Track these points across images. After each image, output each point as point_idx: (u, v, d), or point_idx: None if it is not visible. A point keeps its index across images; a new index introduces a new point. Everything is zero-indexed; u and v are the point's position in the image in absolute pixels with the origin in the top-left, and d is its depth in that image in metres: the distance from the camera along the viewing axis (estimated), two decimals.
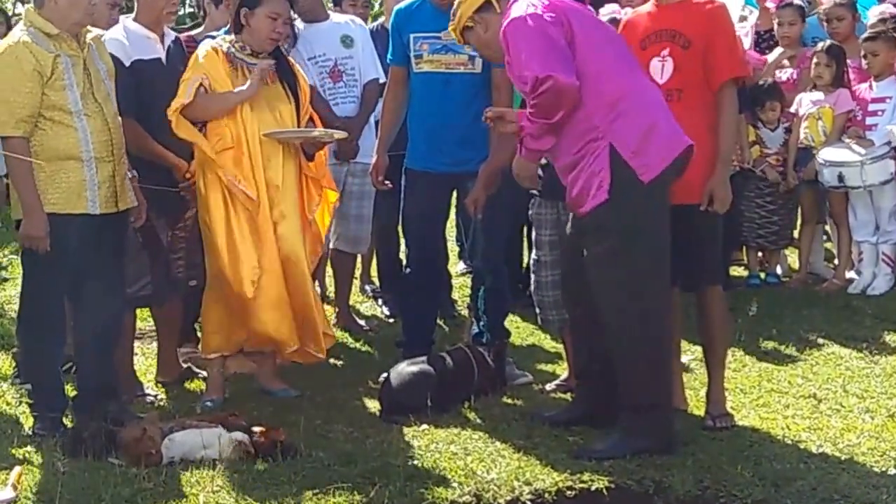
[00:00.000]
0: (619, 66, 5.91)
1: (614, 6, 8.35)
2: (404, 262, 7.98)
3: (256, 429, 5.91)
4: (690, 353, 7.11)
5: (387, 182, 7.37)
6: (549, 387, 6.99)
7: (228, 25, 7.11)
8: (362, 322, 8.62)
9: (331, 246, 8.39)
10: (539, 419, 6.30)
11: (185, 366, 7.40)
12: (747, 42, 9.71)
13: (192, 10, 16.26)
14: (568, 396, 6.75)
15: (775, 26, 9.72)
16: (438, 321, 7.65)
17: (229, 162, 6.62)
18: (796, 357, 7.58)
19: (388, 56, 7.29)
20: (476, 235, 6.97)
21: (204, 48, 6.76)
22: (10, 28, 8.41)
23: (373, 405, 6.71)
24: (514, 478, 5.54)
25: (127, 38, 6.89)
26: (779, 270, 9.77)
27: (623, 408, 5.92)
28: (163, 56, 6.97)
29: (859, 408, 6.50)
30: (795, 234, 9.79)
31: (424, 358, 6.75)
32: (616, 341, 5.89)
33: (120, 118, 6.36)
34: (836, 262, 9.61)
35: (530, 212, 6.85)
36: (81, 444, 5.80)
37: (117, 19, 7.17)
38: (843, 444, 5.90)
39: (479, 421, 6.40)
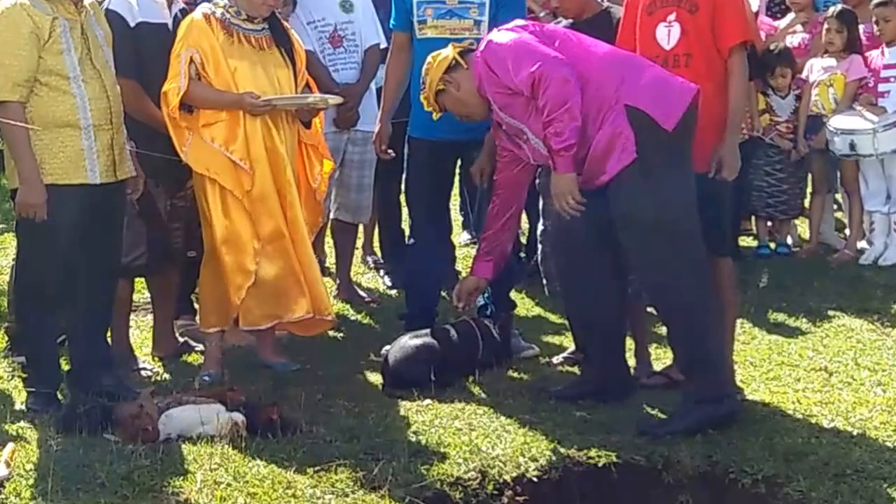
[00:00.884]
0: (602, 45, 5.95)
1: None
2: (407, 232, 7.91)
3: (255, 403, 5.88)
4: None
5: (389, 151, 7.31)
6: (555, 360, 6.97)
7: None
8: (364, 294, 8.57)
9: (331, 216, 8.35)
10: (545, 394, 6.26)
11: (181, 339, 7.36)
12: (758, 6, 9.63)
13: None
14: (576, 370, 6.72)
15: None
16: (442, 293, 7.57)
17: (222, 132, 6.56)
18: (807, 329, 7.56)
19: (391, 21, 7.22)
20: (481, 205, 6.89)
21: (195, 15, 6.68)
22: None
23: (375, 379, 6.68)
24: (519, 454, 5.51)
25: None
26: (789, 241, 9.77)
27: (682, 371, 5.95)
28: (169, 22, 6.88)
29: (871, 381, 6.47)
30: (806, 203, 9.77)
31: (428, 331, 6.72)
32: (664, 307, 5.91)
33: (118, 86, 6.30)
34: (847, 232, 9.56)
35: (537, 181, 6.79)
36: (76, 421, 5.73)
37: None
38: (855, 418, 5.86)
39: (483, 395, 6.36)
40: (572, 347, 6.96)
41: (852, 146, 8.85)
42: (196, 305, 7.53)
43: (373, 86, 8.10)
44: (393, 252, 8.93)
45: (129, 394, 6.11)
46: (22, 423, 5.92)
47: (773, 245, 9.69)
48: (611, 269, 6.04)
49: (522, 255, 8.74)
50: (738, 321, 6.81)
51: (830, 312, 7.86)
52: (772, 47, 9.32)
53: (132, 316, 7.41)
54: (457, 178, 7.59)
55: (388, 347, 6.73)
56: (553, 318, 7.94)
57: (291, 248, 6.66)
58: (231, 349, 7.09)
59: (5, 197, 6.38)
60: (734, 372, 6.28)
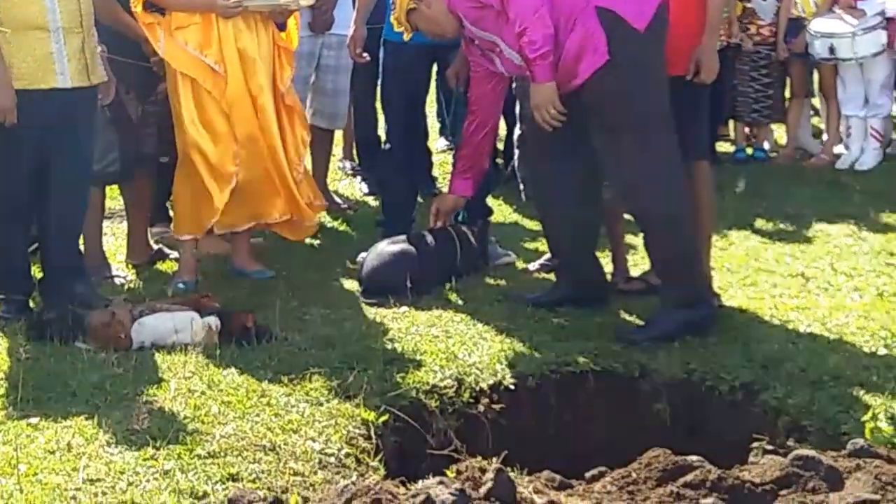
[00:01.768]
0: None
1: None
2: (383, 138, 7.81)
3: (229, 311, 5.83)
4: None
5: (365, 55, 7.21)
6: (532, 266, 6.95)
7: None
8: (340, 200, 8.55)
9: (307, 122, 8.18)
10: (522, 301, 6.21)
11: (156, 247, 7.31)
12: None
13: None
14: (552, 276, 6.66)
15: None
16: (419, 199, 7.52)
17: (195, 35, 6.45)
18: (784, 235, 7.57)
19: None
20: (457, 110, 6.84)
21: None
22: None
23: (351, 287, 6.64)
24: (496, 361, 5.48)
25: None
26: (766, 145, 9.77)
27: (660, 273, 5.92)
28: None
29: (848, 286, 6.45)
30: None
31: (405, 237, 6.67)
32: (639, 210, 5.84)
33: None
34: (824, 137, 9.54)
35: (513, 84, 6.65)
36: (47, 328, 5.68)
37: None
38: (832, 324, 5.83)
39: (460, 303, 6.32)
40: (549, 254, 6.89)
41: (832, 49, 8.80)
42: (171, 213, 7.41)
43: None
44: (370, 158, 8.88)
45: (102, 301, 6.06)
46: None
47: (749, 150, 9.72)
48: (585, 175, 5.96)
49: (499, 160, 8.72)
50: (715, 227, 6.77)
51: (807, 217, 7.87)
52: None
53: (106, 223, 7.37)
54: (433, 84, 7.46)
55: (364, 254, 6.68)
56: (530, 224, 7.91)
57: (266, 151, 6.58)
58: (205, 257, 7.05)
59: None
60: (711, 278, 6.24)
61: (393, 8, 6.26)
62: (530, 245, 7.45)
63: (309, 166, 8.44)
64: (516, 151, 6.79)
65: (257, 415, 4.76)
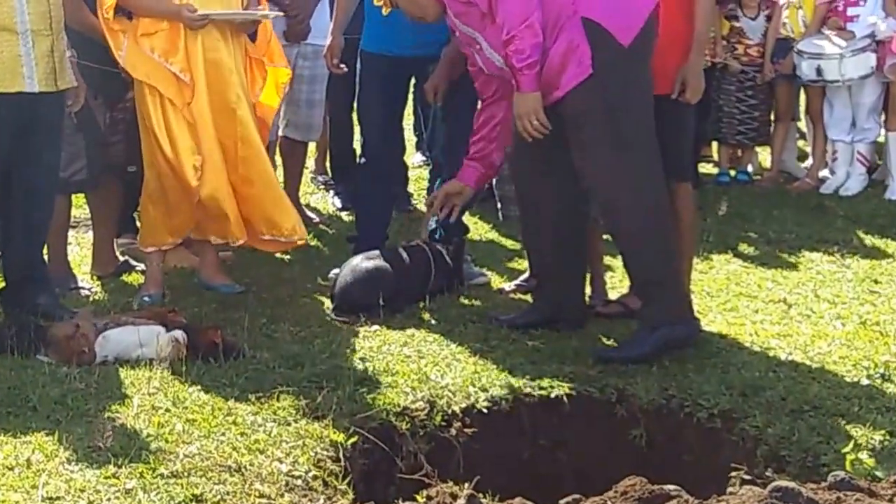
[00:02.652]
0: None
1: None
2: (358, 151, 7.81)
3: (196, 327, 5.81)
4: None
5: (342, 66, 7.22)
6: (507, 287, 6.93)
7: None
8: (312, 215, 8.54)
9: (280, 133, 8.28)
10: (496, 322, 6.21)
11: (122, 258, 7.28)
12: None
13: None
14: (528, 298, 6.66)
15: None
16: (393, 215, 7.52)
17: (161, 42, 6.44)
18: (766, 260, 7.57)
19: None
20: (435, 125, 6.85)
21: None
22: None
23: (322, 303, 6.63)
24: (469, 383, 5.46)
25: None
26: (750, 168, 9.82)
27: (639, 294, 5.92)
28: None
29: (830, 314, 6.46)
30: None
31: (378, 253, 6.66)
32: (618, 228, 5.84)
33: None
34: (808, 160, 9.57)
35: None
36: (7, 340, 5.65)
37: None
38: (814, 352, 5.84)
39: (434, 322, 6.31)
40: (526, 275, 6.90)
41: (819, 71, 8.83)
42: (138, 223, 7.39)
43: None
44: (343, 172, 8.86)
45: (65, 313, 6.04)
46: None
47: (733, 172, 9.73)
48: (572, 190, 5.94)
49: None
50: (696, 250, 6.79)
51: (790, 242, 7.90)
52: None
53: (71, 233, 7.35)
54: (411, 97, 7.46)
55: (336, 270, 6.67)
56: (507, 243, 7.92)
57: (223, 167, 6.53)
58: (172, 270, 7.03)
59: None
60: (691, 302, 6.22)
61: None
62: (507, 265, 7.44)
63: (280, 179, 8.48)
64: None
65: (223, 434, 4.74)
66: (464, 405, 5.32)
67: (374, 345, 5.89)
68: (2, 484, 4.22)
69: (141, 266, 7.05)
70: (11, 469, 4.34)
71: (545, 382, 5.48)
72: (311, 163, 9.49)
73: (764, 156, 9.97)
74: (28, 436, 4.63)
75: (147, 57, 6.42)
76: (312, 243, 7.95)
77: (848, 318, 6.37)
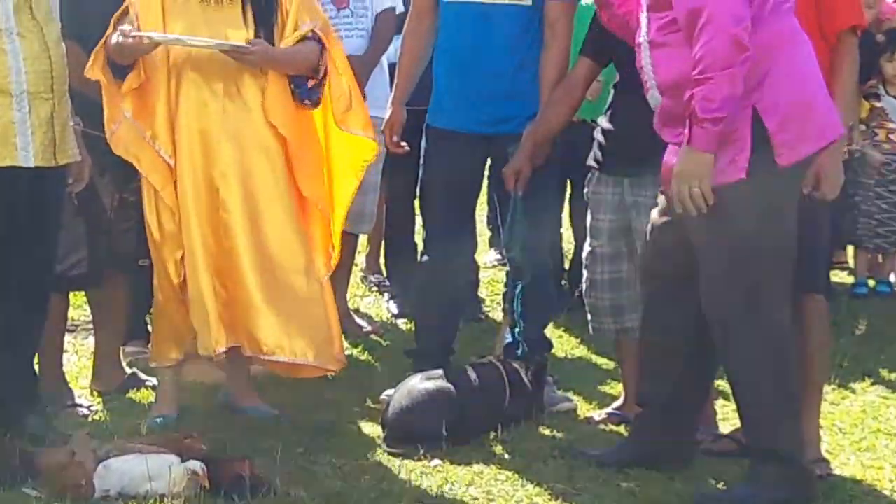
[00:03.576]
0: (777, 5, 5.71)
1: None
2: (420, 246, 7.83)
3: (219, 457, 5.81)
4: None
5: (403, 143, 7.24)
6: (597, 416, 6.92)
7: None
8: (363, 322, 8.57)
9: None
10: (584, 458, 6.17)
11: (129, 371, 7.31)
12: None
13: None
14: (622, 429, 6.67)
15: None
16: (461, 325, 7.52)
17: (138, 100, 6.49)
18: None
19: None
20: (515, 218, 6.84)
21: None
22: None
23: (372, 431, 6.61)
24: None
25: None
26: (892, 278, 9.85)
27: (751, 451, 5.83)
28: None
29: None
30: None
31: (441, 372, 6.64)
32: (733, 363, 5.76)
33: (63, 45, 6.24)
34: None
35: (585, 190, 6.75)
36: None
37: None
38: None
39: (507, 457, 6.29)
40: (619, 402, 6.92)
41: None
42: (150, 329, 7.48)
43: (384, 61, 8.11)
44: (401, 271, 8.88)
45: (58, 437, 6.04)
46: None
47: (872, 283, 9.76)
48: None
49: (564, 282, 8.70)
50: (827, 376, 6.69)
51: None
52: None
53: (68, 338, 7.41)
54: (485, 183, 7.49)
55: (390, 392, 6.67)
56: (598, 362, 7.96)
57: (205, 261, 6.52)
58: (190, 386, 7.02)
59: None
60: (820, 439, 6.20)
61: None
62: (597, 389, 7.44)
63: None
64: (585, 273, 6.77)
65: None
66: None
67: (434, 483, 5.88)
68: None
69: (152, 381, 7.06)
70: None
71: None
72: (361, 259, 9.54)
73: None
74: None
75: (131, 132, 6.48)
76: (362, 357, 8.01)
77: None
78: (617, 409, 6.86)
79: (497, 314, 8.23)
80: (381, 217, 8.82)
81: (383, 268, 9.48)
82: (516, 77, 6.80)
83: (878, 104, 9.36)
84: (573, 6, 6.94)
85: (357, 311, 8.82)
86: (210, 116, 6.46)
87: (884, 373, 7.77)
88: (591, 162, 6.63)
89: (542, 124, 6.73)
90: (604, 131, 6.57)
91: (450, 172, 7.00)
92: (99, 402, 6.98)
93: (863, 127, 9.38)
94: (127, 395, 7.09)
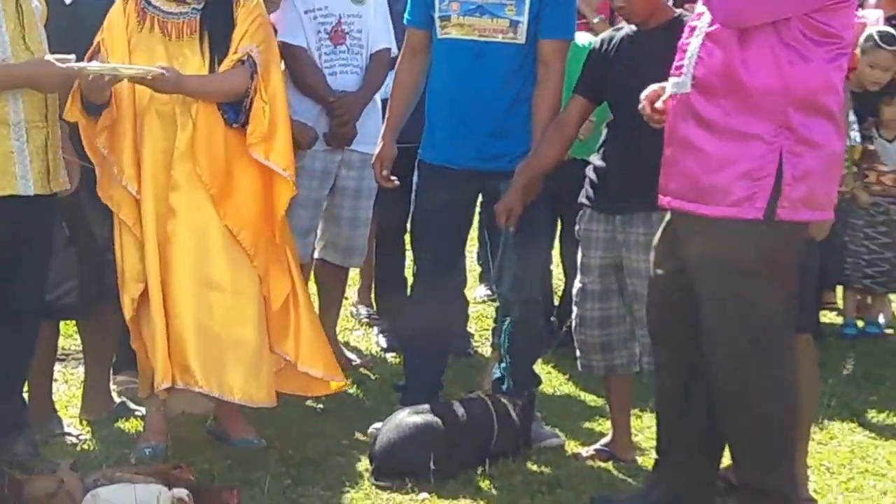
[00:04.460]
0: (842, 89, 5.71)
1: None
2: (410, 281, 7.77)
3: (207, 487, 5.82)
4: None
5: (394, 178, 7.21)
6: (584, 452, 6.89)
7: None
8: (352, 355, 8.53)
9: (316, 255, 8.28)
10: (575, 494, 6.14)
11: (118, 399, 7.30)
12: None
13: None
14: (609, 465, 6.66)
15: None
16: (450, 360, 7.49)
17: (111, 136, 6.50)
18: None
19: (406, 15, 7.17)
20: (506, 254, 6.83)
21: None
22: None
23: (360, 464, 6.60)
24: None
25: None
26: (882, 319, 9.82)
27: (745, 490, 5.79)
28: None
29: None
30: None
31: (429, 406, 6.63)
32: (732, 403, 5.69)
33: None
34: None
35: (577, 227, 6.75)
36: None
37: None
38: None
39: (494, 491, 6.28)
40: (608, 437, 6.90)
41: None
42: None
43: (378, 98, 8.08)
44: (391, 305, 8.81)
45: (47, 465, 6.03)
46: None
47: (861, 323, 9.73)
48: None
49: (554, 319, 8.74)
50: (815, 416, 6.71)
51: None
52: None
53: (57, 367, 7.38)
54: (476, 219, 7.48)
55: (378, 425, 6.66)
56: (586, 398, 7.92)
57: (155, 302, 6.50)
58: (180, 417, 6.97)
59: None
60: (807, 478, 6.20)
61: None
62: (584, 425, 7.42)
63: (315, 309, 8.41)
64: (574, 309, 6.77)
65: None
66: None
67: None
68: None
69: (141, 411, 7.04)
70: None
71: None
72: (352, 293, 9.51)
73: None
74: None
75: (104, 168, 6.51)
76: (351, 390, 7.94)
77: None
78: (605, 445, 6.84)
79: (486, 349, 8.21)
80: (372, 251, 8.81)
81: (373, 301, 9.45)
82: (509, 114, 6.79)
83: (870, 146, 9.36)
84: (567, 45, 6.93)
85: (347, 343, 8.78)
86: (165, 150, 6.47)
87: (872, 413, 7.74)
88: (582, 199, 6.64)
89: (535, 161, 6.71)
90: (596, 169, 6.57)
91: (441, 207, 6.97)
92: (88, 431, 6.96)
93: (855, 169, 9.40)
94: (116, 425, 7.07)
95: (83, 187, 6.48)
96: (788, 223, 5.48)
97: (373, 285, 9.40)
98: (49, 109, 6.12)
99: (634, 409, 6.97)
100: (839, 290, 9.94)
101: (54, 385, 7.18)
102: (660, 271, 5.86)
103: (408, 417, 6.51)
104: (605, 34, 6.80)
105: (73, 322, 7.40)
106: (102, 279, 6.82)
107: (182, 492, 5.62)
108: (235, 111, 6.55)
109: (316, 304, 8.51)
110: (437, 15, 6.86)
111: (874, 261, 9.38)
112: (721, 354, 5.60)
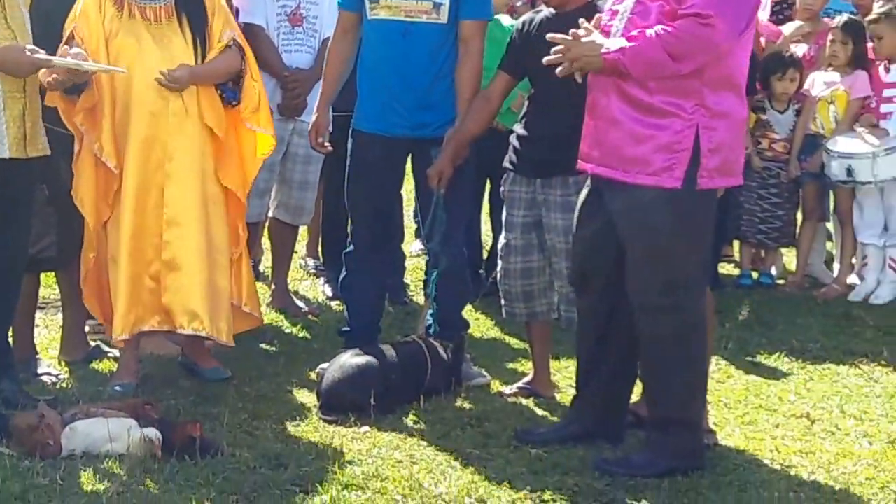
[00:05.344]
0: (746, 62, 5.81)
1: None
2: None
3: (172, 421, 5.83)
4: None
5: (326, 144, 7.26)
6: (508, 390, 6.91)
7: None
8: (301, 304, 8.53)
9: (269, 214, 8.29)
10: (527, 439, 6.11)
11: (93, 343, 7.29)
12: (763, 14, 9.57)
13: None
14: (531, 402, 6.69)
15: None
16: (389, 308, 7.49)
17: (89, 116, 6.51)
18: (788, 370, 7.54)
19: None
20: (436, 212, 6.85)
21: None
22: None
23: (308, 400, 6.62)
24: (465, 494, 5.45)
25: None
26: (773, 271, 9.80)
27: (654, 423, 5.88)
28: None
29: (857, 431, 6.44)
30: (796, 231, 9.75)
31: (370, 349, 6.67)
32: (651, 344, 5.79)
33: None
34: (836, 264, 9.54)
35: (502, 188, 6.78)
36: None
37: None
38: (838, 472, 5.83)
39: (428, 425, 6.31)
40: (528, 377, 6.92)
41: (849, 171, 8.83)
42: None
43: None
44: (336, 258, 8.72)
45: (30, 402, 6.04)
46: None
47: (755, 275, 9.70)
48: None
49: (482, 271, 8.78)
50: (714, 357, 6.82)
51: (815, 353, 7.84)
52: (786, 53, 9.29)
53: (39, 314, 7.35)
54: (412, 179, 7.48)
55: (324, 365, 6.68)
56: (510, 342, 7.92)
57: (125, 257, 6.57)
58: (148, 357, 7.02)
59: None
60: (707, 412, 6.24)
61: None
62: (508, 366, 7.43)
63: (268, 263, 8.51)
64: (500, 262, 6.79)
65: None
66: None
67: (363, 447, 5.89)
68: None
69: (114, 352, 7.04)
70: None
71: (547, 496, 5.46)
72: (301, 247, 9.51)
73: (790, 258, 9.95)
74: None
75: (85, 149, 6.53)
76: (300, 335, 7.98)
77: (876, 436, 6.36)
78: (527, 383, 6.87)
79: (421, 298, 8.20)
80: (319, 210, 8.83)
81: (320, 255, 9.42)
82: (433, 86, 6.82)
83: (763, 116, 9.39)
84: (485, 25, 6.96)
85: (296, 293, 8.77)
86: (158, 125, 6.51)
87: (765, 355, 7.75)
88: (506, 164, 6.67)
89: (462, 131, 6.74)
90: (518, 137, 6.60)
91: (373, 170, 6.99)
92: (66, 371, 6.95)
93: (749, 135, 9.45)
94: (91, 365, 7.07)
95: (59, 151, 6.44)
96: (705, 190, 5.59)
97: (320, 240, 9.40)
98: (27, 83, 6.09)
99: (553, 351, 6.99)
100: (736, 244, 9.97)
101: (36, 330, 7.17)
102: (583, 229, 5.92)
103: (350, 359, 6.53)
104: (527, 16, 6.83)
105: (52, 273, 7.36)
106: (78, 234, 6.78)
107: (152, 431, 5.64)
108: (233, 92, 6.69)
109: (269, 258, 8.63)
110: None
111: (767, 218, 9.40)
112: (643, 303, 5.69)
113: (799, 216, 9.68)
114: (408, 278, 9.04)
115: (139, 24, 6.55)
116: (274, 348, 7.58)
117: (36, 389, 6.49)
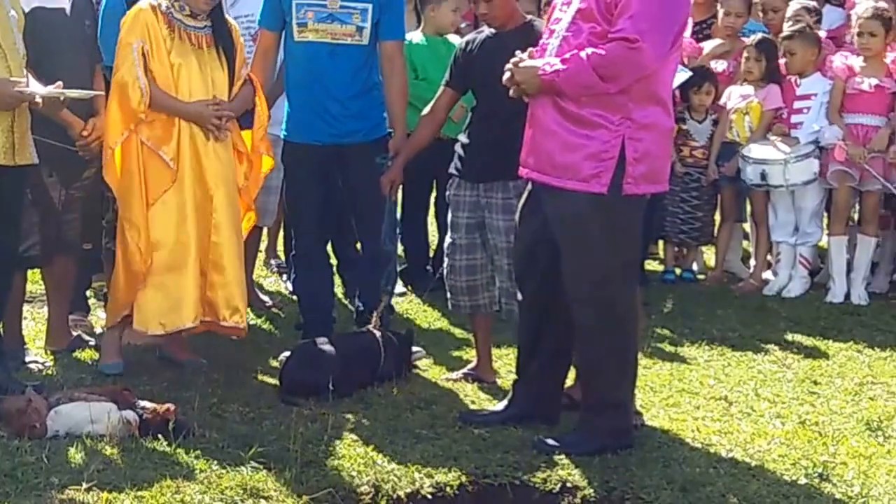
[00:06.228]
0: (672, 78, 5.88)
1: None
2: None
3: (148, 405, 5.79)
4: None
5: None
6: (454, 376, 6.93)
7: None
8: (266, 298, 8.51)
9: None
10: (471, 420, 6.14)
11: (75, 333, 7.25)
12: (686, 32, 9.59)
13: None
14: (475, 386, 6.72)
15: (720, 15, 9.61)
16: (345, 302, 7.46)
17: (158, 130, 6.50)
18: (708, 357, 7.57)
19: (260, 19, 7.12)
20: (389, 220, 6.94)
21: (141, 4, 6.54)
22: None
23: (272, 385, 6.61)
24: (415, 469, 5.48)
25: None
26: (695, 267, 9.82)
27: (587, 406, 5.91)
28: (67, 7, 6.75)
29: (770, 413, 6.48)
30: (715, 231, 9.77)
31: (328, 339, 6.68)
32: (585, 333, 5.82)
33: (25, 70, 6.14)
34: (752, 261, 9.59)
35: (447, 192, 6.78)
36: None
37: None
38: (754, 450, 5.87)
39: (381, 407, 6.32)
40: (472, 364, 6.95)
41: (763, 176, 8.88)
42: (89, 301, 7.55)
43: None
44: None
45: (18, 387, 6.01)
46: None
47: (678, 271, 9.70)
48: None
49: (429, 267, 8.78)
50: (641, 346, 6.75)
51: (732, 341, 7.88)
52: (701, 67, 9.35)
53: (26, 307, 7.30)
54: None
55: (286, 354, 6.70)
56: (455, 332, 7.92)
57: (195, 253, 6.57)
58: (127, 347, 6.97)
59: None
60: (635, 396, 6.23)
61: None
62: (453, 354, 7.44)
63: None
64: (446, 260, 6.80)
65: None
66: (409, 490, 5.35)
67: (322, 428, 5.88)
68: None
69: (93, 341, 7.07)
70: None
71: (490, 471, 5.49)
72: (264, 246, 9.42)
73: (710, 255, 9.98)
74: None
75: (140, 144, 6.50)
76: (265, 326, 7.96)
77: (788, 417, 6.40)
78: (470, 370, 6.90)
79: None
80: (281, 212, 8.84)
81: (282, 254, 9.39)
82: (358, 99, 6.86)
83: (683, 126, 9.43)
84: (402, 44, 7.06)
85: (261, 288, 8.75)
86: (205, 144, 6.56)
87: (686, 344, 7.77)
88: (452, 170, 6.68)
89: (411, 142, 6.80)
90: (462, 145, 6.62)
91: (308, 179, 7.01)
92: (51, 360, 6.92)
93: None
94: (74, 354, 7.02)
95: (42, 160, 6.37)
96: (631, 196, 5.61)
97: (281, 240, 9.36)
98: None
99: (494, 340, 7.00)
100: (660, 243, 10.01)
101: (23, 322, 7.13)
102: (524, 229, 5.95)
103: (310, 347, 6.57)
104: (469, 36, 6.85)
105: (38, 270, 7.29)
106: (60, 235, 6.80)
107: (130, 414, 5.64)
108: (248, 118, 6.80)
109: None
110: (294, 22, 6.84)
111: (688, 219, 9.41)
112: (577, 296, 5.71)
113: (717, 217, 9.71)
114: None
115: (187, 49, 6.55)
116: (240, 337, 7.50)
117: (24, 376, 6.47)
